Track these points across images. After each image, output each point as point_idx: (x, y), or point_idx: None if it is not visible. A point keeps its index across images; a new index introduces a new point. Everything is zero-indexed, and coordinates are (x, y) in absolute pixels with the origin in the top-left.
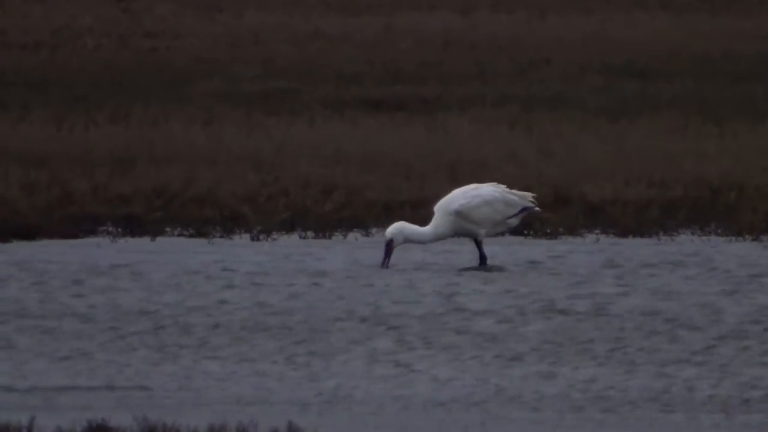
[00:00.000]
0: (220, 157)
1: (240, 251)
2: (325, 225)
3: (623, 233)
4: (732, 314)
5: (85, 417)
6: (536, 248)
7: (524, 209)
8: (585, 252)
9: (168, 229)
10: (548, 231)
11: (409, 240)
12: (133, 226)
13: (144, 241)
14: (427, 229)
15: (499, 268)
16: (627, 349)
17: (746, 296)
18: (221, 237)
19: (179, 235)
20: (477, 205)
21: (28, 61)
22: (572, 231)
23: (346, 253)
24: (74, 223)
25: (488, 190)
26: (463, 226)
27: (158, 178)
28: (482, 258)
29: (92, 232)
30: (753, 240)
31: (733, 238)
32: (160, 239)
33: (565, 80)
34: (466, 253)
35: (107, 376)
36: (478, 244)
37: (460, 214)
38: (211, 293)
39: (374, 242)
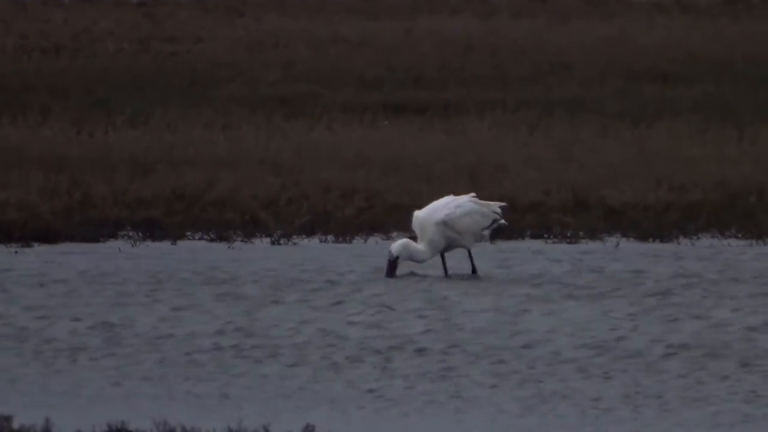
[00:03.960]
0: (240, 161)
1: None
2: (345, 229)
3: (643, 237)
4: None
5: (104, 420)
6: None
7: (494, 221)
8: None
9: (188, 233)
10: (568, 235)
11: (411, 258)
12: (154, 229)
13: (165, 245)
14: (424, 247)
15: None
16: None
17: None
18: (242, 241)
19: (200, 239)
20: (460, 216)
21: (48, 65)
22: (592, 235)
23: None
24: (95, 227)
25: (466, 201)
26: (451, 237)
27: (178, 181)
28: (474, 269)
29: (113, 236)
30: None
31: (754, 241)
32: (180, 243)
33: (585, 84)
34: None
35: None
36: (470, 255)
37: (446, 224)
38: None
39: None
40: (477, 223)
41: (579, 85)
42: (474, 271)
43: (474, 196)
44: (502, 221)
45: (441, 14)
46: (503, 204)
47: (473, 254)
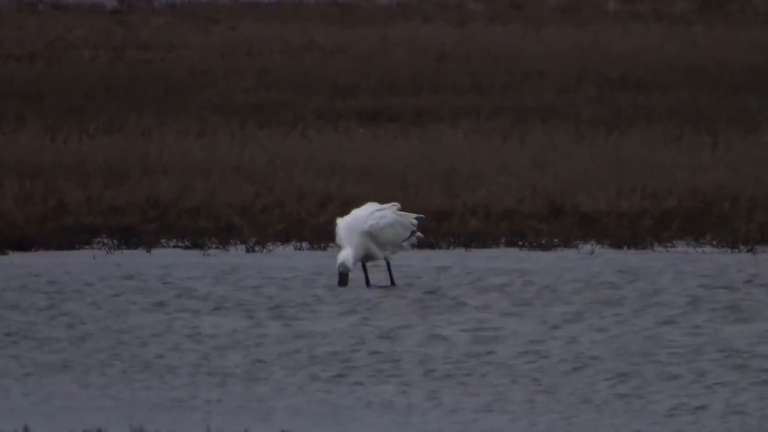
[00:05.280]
0: (215, 169)
1: None
2: (320, 236)
3: (617, 244)
4: None
5: (81, 426)
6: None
7: (412, 233)
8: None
9: (163, 240)
10: (543, 242)
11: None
12: (128, 237)
13: (140, 253)
14: (351, 254)
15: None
16: None
17: None
18: (216, 248)
19: (174, 246)
20: (383, 227)
21: (23, 73)
22: (566, 242)
23: None
24: (69, 234)
25: (388, 211)
26: (370, 248)
27: (152, 189)
28: (392, 280)
29: (87, 243)
30: (748, 251)
31: (728, 249)
32: (155, 250)
33: (560, 92)
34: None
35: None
36: (388, 266)
37: (370, 234)
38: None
39: None
40: (398, 234)
41: (553, 92)
42: (392, 282)
43: (396, 206)
44: (419, 233)
45: (415, 21)
46: (421, 216)
47: (391, 266)
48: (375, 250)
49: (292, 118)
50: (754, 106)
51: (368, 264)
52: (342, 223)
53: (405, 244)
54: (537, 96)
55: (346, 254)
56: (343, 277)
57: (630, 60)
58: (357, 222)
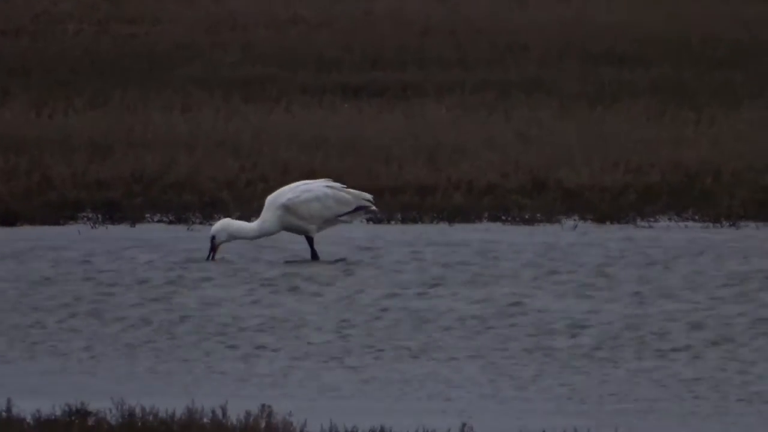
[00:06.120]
0: (199, 143)
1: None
2: None
3: (600, 219)
4: None
5: (64, 400)
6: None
7: (359, 208)
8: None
9: (147, 215)
10: (526, 217)
11: (234, 237)
12: (113, 211)
13: (124, 227)
14: (253, 225)
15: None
16: None
17: None
18: (201, 223)
19: (159, 221)
20: (305, 200)
21: (8, 47)
22: (549, 217)
23: None
24: (54, 209)
25: (319, 186)
26: (291, 222)
27: (137, 163)
28: (314, 255)
29: (72, 218)
30: (731, 226)
31: (711, 224)
32: (139, 225)
33: (544, 66)
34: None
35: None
36: (309, 241)
37: (287, 208)
38: None
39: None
40: (328, 209)
41: (537, 66)
42: (314, 256)
43: (329, 182)
44: (373, 208)
45: None
46: (370, 197)
47: (315, 241)
48: (299, 223)
49: (277, 92)
50: (737, 81)
51: (314, 237)
52: (269, 197)
53: (346, 218)
54: (521, 70)
55: (219, 224)
56: (212, 247)
57: (613, 34)
58: (279, 196)
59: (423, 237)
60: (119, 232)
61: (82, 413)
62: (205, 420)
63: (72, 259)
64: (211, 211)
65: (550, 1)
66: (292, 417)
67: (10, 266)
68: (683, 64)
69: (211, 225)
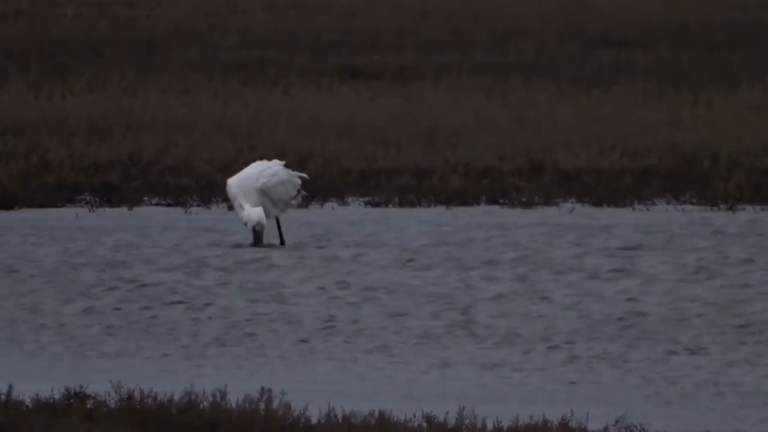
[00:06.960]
0: (197, 126)
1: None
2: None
3: (598, 202)
4: None
5: (63, 383)
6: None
7: (298, 192)
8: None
9: (145, 198)
10: (523, 200)
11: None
12: (111, 194)
13: (122, 210)
14: (260, 210)
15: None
16: None
17: None
18: (198, 206)
19: (156, 204)
20: (275, 184)
21: (6, 30)
22: (547, 200)
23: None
24: (52, 191)
25: (277, 168)
26: (265, 206)
27: (135, 146)
28: (282, 238)
29: (70, 200)
30: (728, 209)
31: (708, 207)
32: (137, 208)
33: (541, 49)
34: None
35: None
36: (278, 223)
37: (262, 192)
38: None
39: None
40: (288, 192)
41: (535, 49)
42: (282, 242)
43: (283, 164)
44: (303, 192)
45: None
46: (303, 175)
47: (281, 224)
48: (270, 207)
49: (275, 75)
50: (734, 64)
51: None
52: (234, 182)
53: (293, 202)
54: (519, 53)
55: (259, 212)
56: (258, 236)
57: (611, 17)
58: (250, 179)
59: (441, 219)
60: (117, 215)
61: (80, 396)
62: (204, 403)
63: (73, 240)
64: (209, 194)
65: None
66: (291, 401)
67: (12, 248)
68: (681, 47)
69: (208, 208)
